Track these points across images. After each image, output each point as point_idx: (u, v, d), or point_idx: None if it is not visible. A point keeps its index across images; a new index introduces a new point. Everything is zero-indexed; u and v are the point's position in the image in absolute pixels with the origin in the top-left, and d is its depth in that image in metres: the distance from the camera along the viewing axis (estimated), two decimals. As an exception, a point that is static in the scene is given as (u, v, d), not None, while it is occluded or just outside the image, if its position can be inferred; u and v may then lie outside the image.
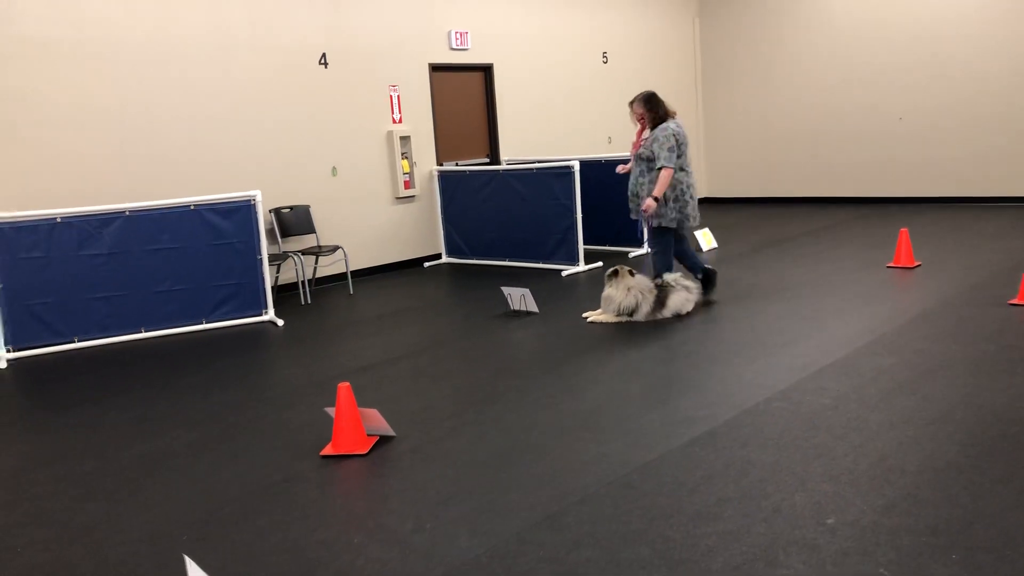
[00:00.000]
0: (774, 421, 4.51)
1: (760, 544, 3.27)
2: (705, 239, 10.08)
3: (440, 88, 10.45)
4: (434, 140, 10.35)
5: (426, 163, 10.24)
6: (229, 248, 7.54)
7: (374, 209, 9.75)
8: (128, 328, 7.23)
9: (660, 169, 6.81)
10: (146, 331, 7.29)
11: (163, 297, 7.34)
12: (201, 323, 7.48)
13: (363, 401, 5.15)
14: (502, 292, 7.59)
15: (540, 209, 9.37)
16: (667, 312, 6.84)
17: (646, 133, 7.06)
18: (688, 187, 6.98)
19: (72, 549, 3.61)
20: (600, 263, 9.27)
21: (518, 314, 7.33)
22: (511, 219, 9.63)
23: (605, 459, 4.17)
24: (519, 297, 7.41)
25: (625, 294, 6.82)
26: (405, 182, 10.00)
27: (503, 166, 10.55)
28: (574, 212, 9.06)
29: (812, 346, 5.82)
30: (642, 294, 6.83)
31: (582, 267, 9.14)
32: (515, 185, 9.57)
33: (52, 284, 6.93)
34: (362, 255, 9.54)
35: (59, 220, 6.95)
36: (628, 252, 10.02)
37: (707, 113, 14.64)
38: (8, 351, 6.80)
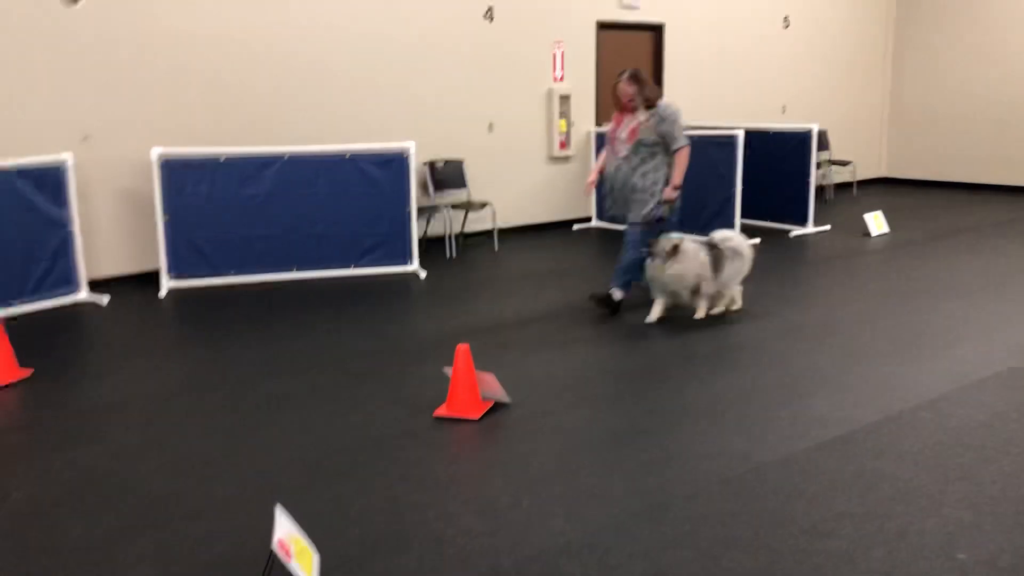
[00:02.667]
0: (917, 433, 4.13)
1: (875, 571, 2.99)
2: (876, 223, 9.40)
3: (606, 47, 10.17)
4: (595, 101, 10.12)
5: (584, 124, 10.04)
6: (380, 197, 7.65)
7: (527, 168, 9.66)
8: (280, 267, 7.50)
9: (677, 151, 6.01)
10: (297, 271, 7.54)
11: (315, 240, 7.56)
12: (349, 268, 7.66)
13: (487, 361, 5.11)
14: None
15: (698, 179, 8.97)
16: (719, 283, 6.02)
17: (640, 116, 6.03)
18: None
19: (182, 481, 3.77)
20: (757, 239, 8.82)
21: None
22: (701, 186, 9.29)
23: (722, 454, 3.94)
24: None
25: (689, 264, 5.88)
26: (561, 142, 9.84)
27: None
28: (733, 184, 8.65)
29: (975, 353, 5.30)
30: (698, 258, 5.92)
31: (736, 243, 8.72)
32: (707, 148, 9.22)
33: (213, 219, 7.26)
34: (511, 213, 9.50)
35: (223, 159, 7.25)
36: (789, 230, 9.49)
37: (895, 89, 13.61)
38: (172, 279, 7.20)
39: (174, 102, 7.35)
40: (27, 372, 5.12)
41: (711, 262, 5.97)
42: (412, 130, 8.51)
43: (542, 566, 3.05)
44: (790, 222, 9.57)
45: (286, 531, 2.93)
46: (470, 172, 9.08)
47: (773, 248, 8.67)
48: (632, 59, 10.49)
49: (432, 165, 8.83)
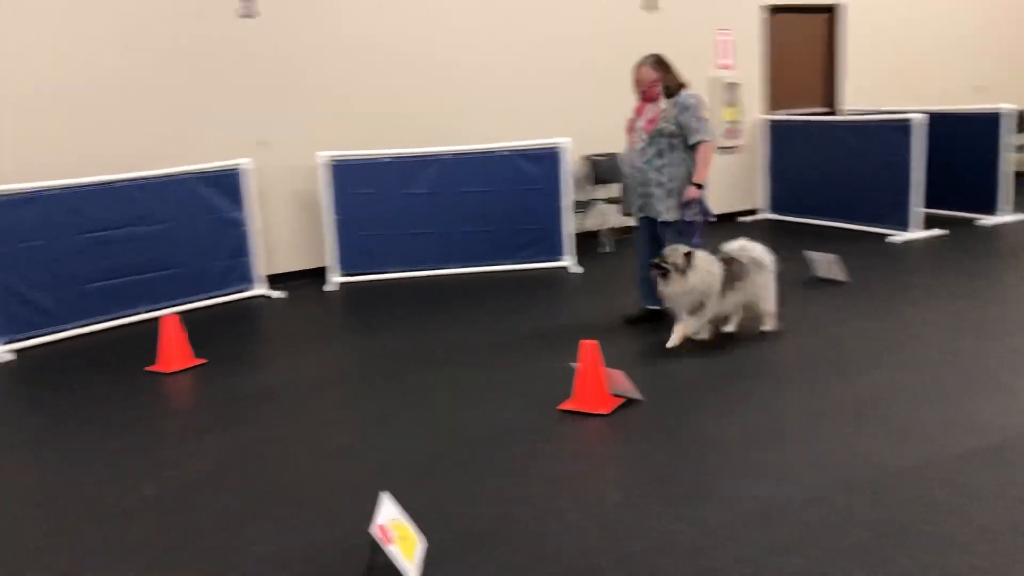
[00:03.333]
0: (1087, 443, 3.72)
1: (1005, 592, 2.73)
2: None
3: (776, 32, 9.76)
4: (764, 88, 9.74)
5: (751, 112, 9.68)
6: (535, 193, 7.73)
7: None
8: (439, 263, 7.73)
9: (696, 145, 5.43)
10: (455, 267, 7.75)
11: (471, 236, 7.74)
12: (505, 263, 7.79)
13: (626, 356, 5.07)
14: (806, 257, 7.01)
15: (873, 166, 8.47)
16: (738, 298, 5.30)
17: (662, 104, 5.53)
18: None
19: (315, 465, 3.98)
20: (944, 231, 8.19)
21: (823, 282, 6.73)
22: (839, 175, 8.82)
23: (857, 457, 3.72)
24: (826, 264, 6.80)
25: (701, 278, 5.16)
26: (727, 131, 9.55)
27: (838, 117, 9.68)
28: (911, 171, 8.07)
29: None
30: (711, 273, 5.20)
31: (916, 233, 8.14)
32: (847, 138, 8.74)
33: (377, 218, 7.60)
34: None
35: (386, 160, 7.57)
36: (975, 219, 8.73)
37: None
38: (340, 275, 7.61)
39: (342, 108, 7.74)
40: (200, 361, 5.57)
41: (725, 277, 5.24)
42: (570, 125, 8.48)
43: (639, 566, 3.00)
44: (978, 211, 8.81)
45: (389, 517, 3.05)
46: (630, 166, 8.97)
47: (959, 239, 8.02)
48: (804, 43, 10.03)
49: (591, 159, 8.81)
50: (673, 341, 5.31)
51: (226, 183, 7.09)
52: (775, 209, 9.69)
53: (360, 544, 3.10)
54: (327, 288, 7.44)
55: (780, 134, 9.54)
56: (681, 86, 5.60)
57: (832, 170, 8.90)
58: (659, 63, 5.60)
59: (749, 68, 9.59)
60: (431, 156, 7.62)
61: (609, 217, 8.71)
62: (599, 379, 4.42)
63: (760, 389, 4.62)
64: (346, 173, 7.50)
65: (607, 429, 4.21)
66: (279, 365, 5.56)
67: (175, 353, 5.50)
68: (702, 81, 9.32)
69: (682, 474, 3.68)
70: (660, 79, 5.56)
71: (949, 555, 2.94)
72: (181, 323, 5.54)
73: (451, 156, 7.63)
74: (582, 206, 8.58)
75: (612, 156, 8.90)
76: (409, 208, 7.62)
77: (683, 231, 5.54)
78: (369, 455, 4.09)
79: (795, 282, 6.78)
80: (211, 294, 7.06)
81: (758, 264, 5.40)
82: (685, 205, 5.53)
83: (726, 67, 9.47)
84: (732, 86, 9.47)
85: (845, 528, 3.15)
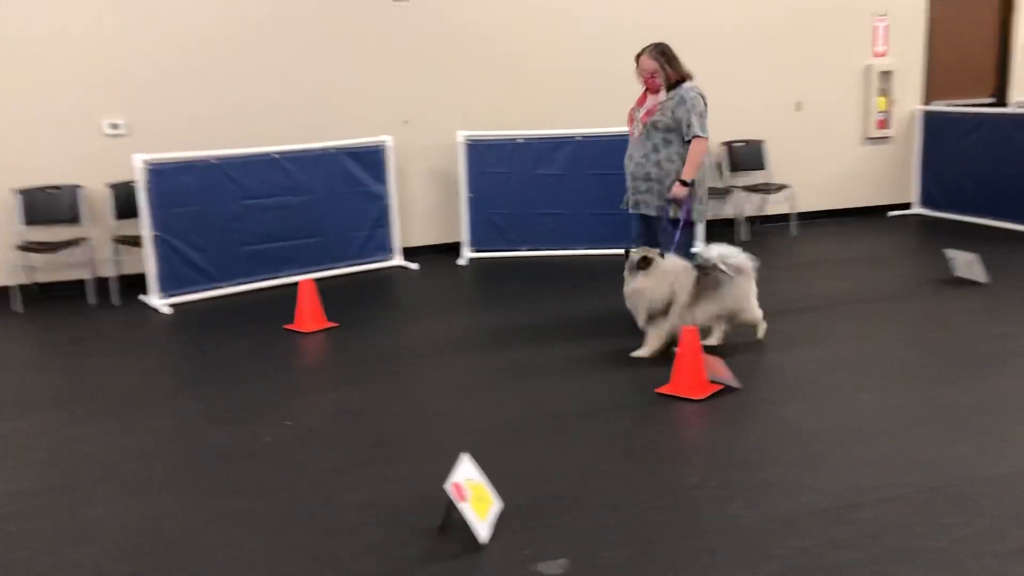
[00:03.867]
0: None
1: (1070, 607, 2.66)
2: None
3: (940, 16, 9.27)
4: (923, 76, 9.29)
5: (908, 101, 9.27)
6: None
7: (837, 149, 9.15)
8: (566, 243, 7.89)
9: (691, 140, 5.28)
10: (584, 249, 7.89)
11: (602, 219, 7.85)
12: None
13: (738, 347, 5.09)
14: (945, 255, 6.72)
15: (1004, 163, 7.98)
16: (716, 308, 5.01)
17: (661, 96, 5.40)
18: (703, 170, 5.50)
19: (417, 424, 4.27)
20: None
21: (962, 282, 6.45)
22: (999, 171, 8.34)
23: (951, 460, 3.65)
24: (966, 263, 6.51)
25: (657, 283, 4.92)
26: (879, 121, 9.19)
27: (1007, 109, 9.12)
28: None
29: None
30: (678, 280, 4.95)
31: (1078, 236, 7.62)
32: (1011, 132, 8.24)
33: (509, 197, 7.84)
34: (815, 197, 9.06)
35: (520, 141, 7.79)
36: None
37: None
38: (471, 250, 7.91)
39: (480, 89, 8.00)
40: (332, 324, 5.99)
41: (699, 287, 4.98)
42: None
43: (699, 543, 3.09)
44: None
45: (465, 476, 3.27)
46: (771, 153, 8.82)
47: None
48: (972, 27, 9.48)
49: (730, 145, 8.72)
50: (640, 352, 5.07)
51: (370, 158, 7.50)
52: (927, 204, 9.26)
53: (442, 501, 3.34)
54: (459, 262, 7.76)
55: (935, 125, 9.09)
56: (682, 79, 5.43)
57: (991, 165, 8.42)
58: (661, 52, 5.44)
59: (909, 55, 9.17)
60: (563, 138, 7.77)
61: (746, 205, 8.60)
62: (697, 365, 4.49)
63: (863, 385, 4.55)
64: (482, 152, 7.77)
65: (698, 414, 4.28)
66: (403, 332, 5.90)
67: (310, 315, 5.94)
68: (854, 69, 9.02)
69: (762, 463, 3.72)
70: (660, 69, 5.41)
71: (1020, 565, 2.88)
72: (316, 288, 5.97)
73: (582, 138, 7.75)
74: (719, 193, 8.51)
75: (755, 143, 8.78)
76: (540, 188, 7.81)
77: (667, 229, 5.39)
78: (467, 420, 4.33)
79: (931, 281, 6.54)
80: (351, 263, 7.51)
81: (740, 272, 5.08)
82: (669, 203, 5.41)
83: (881, 54, 9.10)
84: (886, 74, 9.09)
85: (915, 529, 3.13)
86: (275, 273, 7.10)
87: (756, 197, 8.79)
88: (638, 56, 5.51)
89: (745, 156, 8.77)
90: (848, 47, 9.00)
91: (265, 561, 3.11)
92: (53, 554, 3.20)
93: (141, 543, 3.26)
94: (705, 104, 5.43)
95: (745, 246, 7.92)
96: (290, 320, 5.96)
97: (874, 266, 7.20)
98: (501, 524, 3.27)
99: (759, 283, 5.27)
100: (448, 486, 3.16)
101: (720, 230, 8.63)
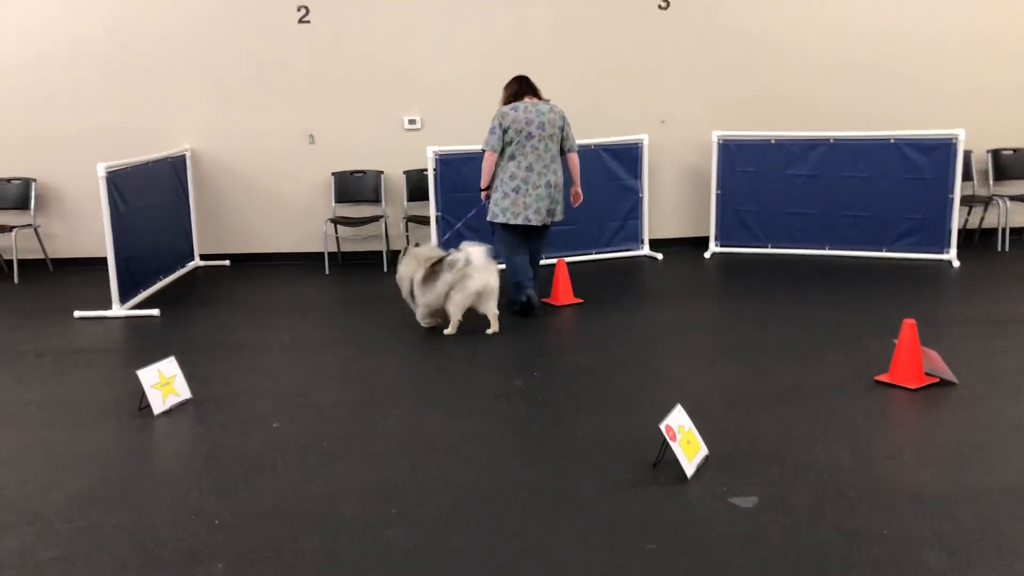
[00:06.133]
0: None
1: None
2: None
3: None
4: None
5: None
6: (921, 183, 7.76)
7: (1124, 160, 8.59)
8: (813, 243, 8.13)
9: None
10: (829, 249, 8.09)
11: (849, 220, 8.01)
12: (880, 250, 7.95)
13: (977, 352, 5.27)
14: None
15: None
16: (449, 305, 5.82)
17: None
18: (524, 180, 6.11)
19: (646, 384, 4.88)
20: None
21: None
22: None
23: None
24: None
25: (403, 271, 6.08)
26: None
27: None
28: None
29: None
30: (417, 263, 5.98)
31: None
32: None
33: (758, 195, 8.20)
34: (1093, 209, 8.58)
35: (772, 141, 8.12)
36: None
37: None
38: (717, 245, 8.37)
39: (736, 90, 8.42)
40: (579, 300, 6.74)
41: (424, 277, 5.85)
42: (974, 117, 8.26)
43: (876, 506, 3.46)
44: None
45: (678, 422, 3.85)
46: (1044, 162, 8.47)
47: None
48: None
49: (997, 153, 8.48)
50: (446, 331, 5.99)
51: (627, 155, 8.17)
52: None
53: (658, 441, 3.94)
54: (705, 255, 8.24)
55: None
56: (501, 101, 6.34)
57: None
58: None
59: None
60: (817, 140, 8.00)
61: (1010, 215, 8.33)
62: (915, 357, 4.74)
63: (1095, 392, 4.58)
64: (734, 152, 8.20)
65: (909, 400, 4.55)
66: (642, 311, 6.52)
67: (563, 291, 6.73)
68: None
69: (962, 445, 3.96)
70: None
71: None
72: (564, 266, 6.75)
73: (836, 141, 7.95)
74: (980, 201, 8.34)
75: (1022, 151, 8.49)
76: (789, 188, 8.11)
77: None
78: (690, 385, 4.89)
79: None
80: (605, 249, 8.24)
81: (460, 272, 5.73)
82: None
83: None
84: None
85: (992, 531, 3.31)
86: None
87: (1022, 207, 8.49)
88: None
89: (1014, 164, 8.49)
90: None
91: (509, 469, 3.88)
92: (350, 450, 4.17)
93: (414, 446, 4.15)
94: (504, 124, 6.16)
95: (1001, 256, 7.84)
96: (547, 295, 6.77)
97: None
98: (705, 466, 3.82)
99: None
100: (662, 426, 3.76)
101: (984, 239, 8.48)
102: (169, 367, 4.80)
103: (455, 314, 5.88)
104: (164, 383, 4.71)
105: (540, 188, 6.16)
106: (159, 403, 4.66)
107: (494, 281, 5.85)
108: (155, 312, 6.72)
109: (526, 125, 6.11)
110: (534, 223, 6.19)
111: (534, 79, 6.45)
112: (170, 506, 3.61)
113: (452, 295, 5.81)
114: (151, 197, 7.46)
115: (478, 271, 5.76)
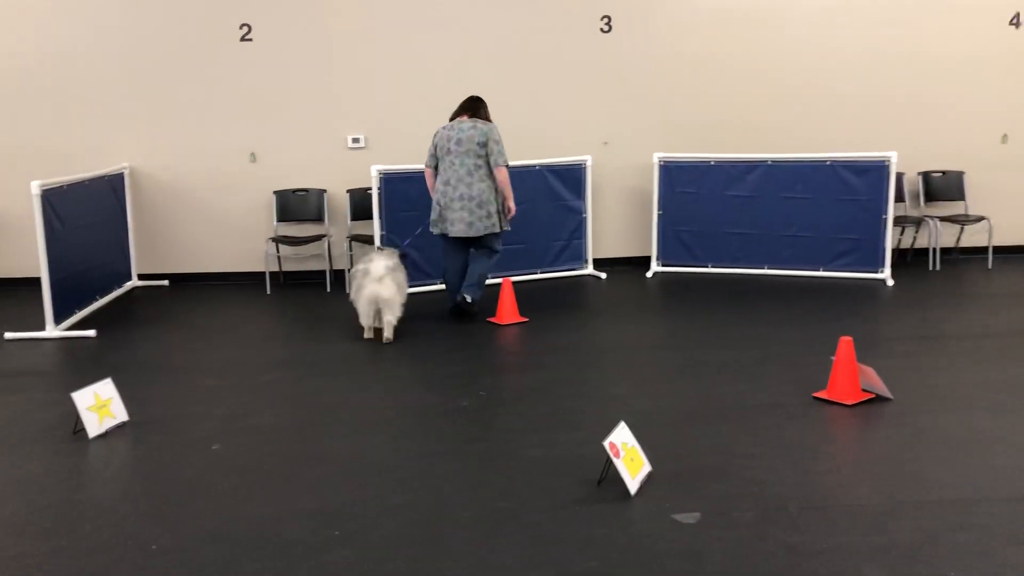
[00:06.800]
0: None
1: None
2: None
3: None
4: None
5: None
6: (856, 204, 7.97)
7: (1047, 184, 8.95)
8: (752, 263, 8.28)
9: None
10: (767, 268, 8.25)
11: (787, 241, 8.19)
12: (817, 270, 8.13)
13: (911, 368, 5.39)
14: None
15: None
16: (359, 304, 6.24)
17: None
18: (443, 194, 6.64)
19: (591, 402, 4.91)
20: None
21: None
22: None
23: (1085, 476, 3.85)
24: None
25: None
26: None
27: None
28: None
29: None
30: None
31: None
32: None
33: (698, 216, 8.34)
34: (1017, 231, 8.89)
35: (712, 163, 8.28)
36: None
37: None
38: (659, 265, 8.47)
39: (676, 113, 8.56)
40: (524, 319, 6.76)
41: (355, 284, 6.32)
42: (905, 140, 8.52)
43: (818, 517, 3.53)
44: None
45: (622, 439, 3.88)
46: (972, 184, 8.77)
47: None
48: None
49: (927, 176, 8.76)
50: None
51: (571, 176, 8.26)
52: None
53: (603, 460, 3.96)
54: (646, 275, 8.33)
55: None
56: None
57: None
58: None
59: None
60: (755, 162, 8.18)
61: (941, 235, 8.59)
62: (852, 373, 4.85)
63: (1019, 403, 4.73)
64: (675, 173, 8.33)
65: (846, 416, 4.65)
66: (586, 330, 6.56)
67: (508, 310, 6.74)
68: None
69: (897, 460, 4.06)
70: None
71: None
72: (513, 288, 6.77)
73: (774, 163, 8.13)
74: (912, 222, 8.59)
75: (954, 174, 8.77)
76: (729, 209, 8.26)
77: None
78: (635, 403, 4.93)
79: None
80: (549, 269, 8.29)
81: (364, 276, 6.17)
82: None
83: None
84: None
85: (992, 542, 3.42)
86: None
87: (952, 227, 8.77)
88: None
89: (943, 186, 8.78)
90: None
91: (453, 489, 3.86)
92: (291, 473, 4.11)
93: (357, 466, 4.11)
94: (432, 141, 6.75)
95: (933, 276, 8.08)
96: (492, 314, 6.77)
97: (1069, 301, 7.10)
98: (649, 483, 3.85)
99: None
100: (606, 443, 3.78)
101: (915, 259, 8.73)
102: (105, 389, 4.69)
103: (360, 318, 6.29)
104: (100, 405, 4.60)
105: (455, 201, 6.58)
106: (95, 426, 4.54)
107: (386, 292, 6.14)
108: (91, 333, 6.57)
109: (447, 142, 6.63)
110: (451, 234, 6.63)
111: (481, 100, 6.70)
112: (105, 532, 3.51)
113: (355, 300, 6.28)
114: (87, 216, 7.30)
115: (371, 281, 6.12)
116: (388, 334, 6.21)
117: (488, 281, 7.06)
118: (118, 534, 3.49)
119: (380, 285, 6.11)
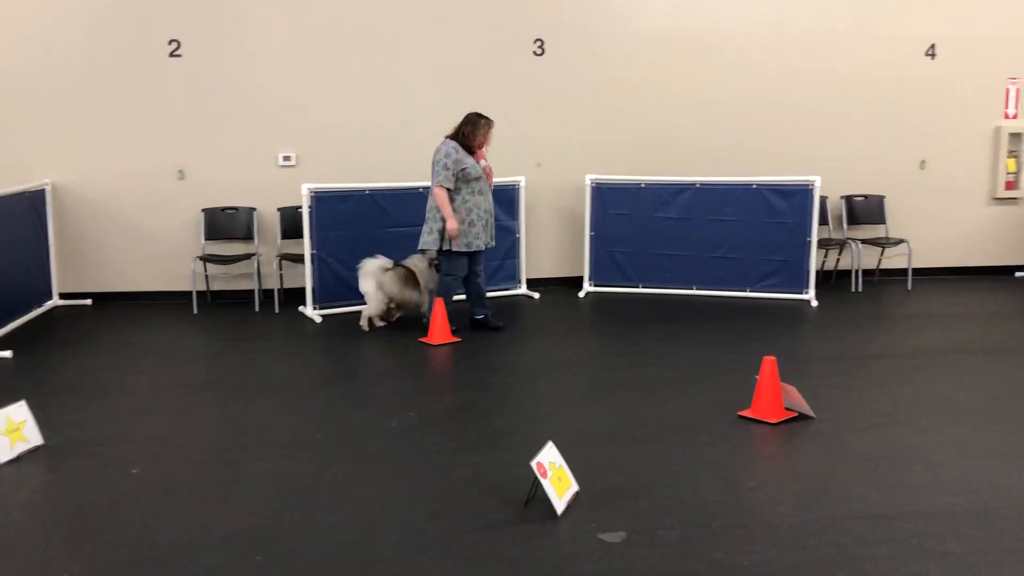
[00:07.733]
0: None
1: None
2: None
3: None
4: (1056, 139, 9.32)
5: (1040, 164, 9.30)
6: (782, 227, 8.17)
7: (961, 208, 9.28)
8: (682, 283, 8.41)
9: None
10: (697, 289, 8.39)
11: (715, 262, 8.34)
12: (745, 290, 8.30)
13: (833, 387, 5.52)
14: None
15: None
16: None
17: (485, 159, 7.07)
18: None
19: (522, 421, 4.91)
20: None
21: (1068, 341, 6.58)
22: None
23: (999, 488, 3.97)
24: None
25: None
26: (1008, 183, 9.27)
27: None
28: None
29: None
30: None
31: None
32: None
33: (630, 237, 8.44)
34: (935, 254, 9.22)
35: (643, 185, 8.40)
36: None
37: None
38: (591, 285, 8.54)
39: (608, 136, 8.68)
40: (456, 339, 6.74)
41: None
42: (826, 166, 8.75)
43: (742, 532, 3.58)
44: None
45: (550, 459, 3.89)
46: (891, 208, 9.06)
47: None
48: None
49: (849, 200, 9.02)
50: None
51: (505, 196, 8.29)
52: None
53: (531, 480, 3.95)
54: (579, 295, 8.40)
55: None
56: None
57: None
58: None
59: (1039, 118, 9.25)
60: (684, 184, 8.32)
61: (862, 257, 8.84)
62: (776, 392, 4.95)
63: (934, 422, 4.87)
64: (606, 195, 8.43)
65: (769, 434, 4.74)
66: (519, 349, 6.58)
67: (440, 330, 6.71)
68: (983, 130, 9.17)
69: (819, 477, 4.15)
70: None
71: (1033, 575, 3.23)
72: (442, 304, 6.76)
73: (703, 185, 8.29)
74: (835, 244, 8.83)
75: (875, 198, 9.05)
76: (659, 230, 8.38)
77: None
78: (565, 422, 4.95)
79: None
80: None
81: (367, 277, 6.95)
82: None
83: (1012, 117, 9.21)
84: (1016, 136, 9.19)
85: (947, 540, 3.51)
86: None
87: (872, 249, 9.04)
88: (489, 125, 6.98)
89: (864, 210, 9.05)
90: (978, 108, 9.17)
91: (380, 512, 3.82)
92: (214, 496, 4.02)
93: (282, 490, 4.04)
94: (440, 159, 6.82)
95: (855, 297, 8.31)
96: (424, 334, 6.75)
97: (982, 321, 7.35)
98: (576, 503, 3.86)
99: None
100: (534, 464, 3.78)
101: (838, 281, 8.95)
102: (19, 412, 4.53)
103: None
104: (12, 429, 4.44)
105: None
106: (6, 450, 4.38)
107: (369, 288, 6.95)
108: (7, 354, 6.34)
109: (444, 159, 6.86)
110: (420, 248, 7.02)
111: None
112: (16, 561, 3.38)
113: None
114: (5, 232, 7.07)
115: (362, 277, 6.97)
116: (362, 324, 7.10)
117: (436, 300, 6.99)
118: (28, 562, 3.37)
119: (366, 283, 6.94)
